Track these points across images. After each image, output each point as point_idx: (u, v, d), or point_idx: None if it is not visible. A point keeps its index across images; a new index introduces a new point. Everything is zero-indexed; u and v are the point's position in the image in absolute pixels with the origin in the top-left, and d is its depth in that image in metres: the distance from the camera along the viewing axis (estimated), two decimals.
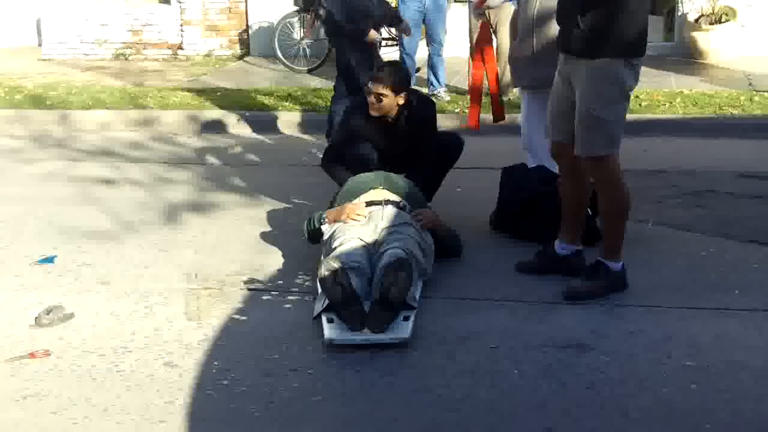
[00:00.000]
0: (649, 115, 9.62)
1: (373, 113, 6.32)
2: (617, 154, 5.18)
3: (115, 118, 10.30)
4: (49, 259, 5.95)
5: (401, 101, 6.31)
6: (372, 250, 5.34)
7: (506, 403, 4.14)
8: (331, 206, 5.97)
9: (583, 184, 5.45)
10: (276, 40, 12.72)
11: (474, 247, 6.05)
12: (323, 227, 5.70)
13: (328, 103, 10.48)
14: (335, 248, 5.31)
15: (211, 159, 8.77)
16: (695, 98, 10.28)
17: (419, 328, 4.84)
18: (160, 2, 14.18)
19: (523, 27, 6.48)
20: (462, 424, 3.98)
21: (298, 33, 12.88)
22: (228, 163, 8.60)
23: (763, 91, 10.47)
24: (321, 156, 6.86)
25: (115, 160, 8.69)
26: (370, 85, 6.31)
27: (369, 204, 5.72)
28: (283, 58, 12.68)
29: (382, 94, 6.24)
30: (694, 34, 12.59)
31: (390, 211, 5.65)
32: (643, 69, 5.25)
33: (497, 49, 10.28)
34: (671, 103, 10.07)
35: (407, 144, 6.40)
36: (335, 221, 5.64)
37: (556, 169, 5.84)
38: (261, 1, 13.70)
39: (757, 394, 4.19)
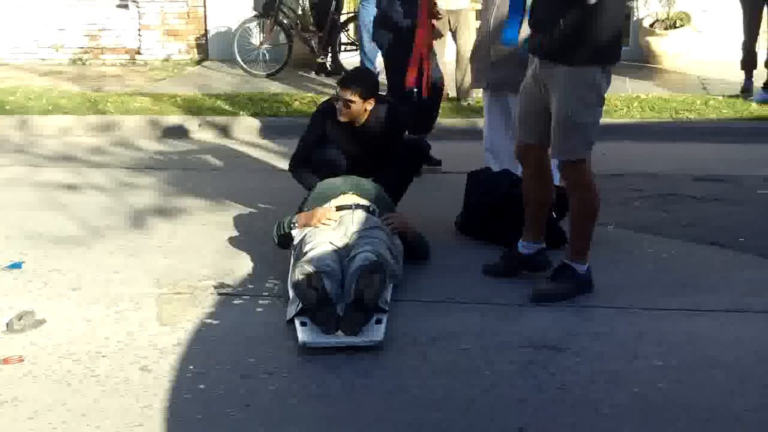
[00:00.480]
0: (608, 120, 9.70)
1: (342, 119, 6.34)
2: (590, 157, 5.27)
3: (75, 124, 10.22)
4: (17, 265, 5.93)
5: (369, 107, 6.34)
6: (343, 253, 5.37)
7: (481, 403, 4.20)
8: (300, 211, 5.99)
9: (548, 184, 5.53)
10: (235, 45, 12.69)
11: (441, 250, 6.10)
12: (293, 232, 5.72)
13: (289, 108, 10.58)
14: (306, 252, 5.33)
15: (174, 164, 8.75)
16: (652, 103, 10.40)
17: (391, 330, 4.89)
18: (117, 7, 14.09)
19: (481, 33, 6.58)
20: (440, 424, 4.04)
21: (257, 38, 12.88)
22: (190, 168, 8.58)
23: (718, 95, 10.63)
24: (288, 160, 6.85)
25: (77, 166, 8.63)
26: (338, 90, 6.34)
27: (339, 208, 5.76)
28: (242, 63, 12.65)
29: (349, 100, 6.25)
30: (649, 38, 12.74)
31: (360, 215, 5.69)
32: None
33: (457, 51, 10.42)
34: (629, 107, 10.19)
35: (376, 149, 6.42)
36: (305, 226, 5.67)
37: (519, 171, 5.91)
38: (220, 6, 13.66)
39: (729, 390, 4.30)
